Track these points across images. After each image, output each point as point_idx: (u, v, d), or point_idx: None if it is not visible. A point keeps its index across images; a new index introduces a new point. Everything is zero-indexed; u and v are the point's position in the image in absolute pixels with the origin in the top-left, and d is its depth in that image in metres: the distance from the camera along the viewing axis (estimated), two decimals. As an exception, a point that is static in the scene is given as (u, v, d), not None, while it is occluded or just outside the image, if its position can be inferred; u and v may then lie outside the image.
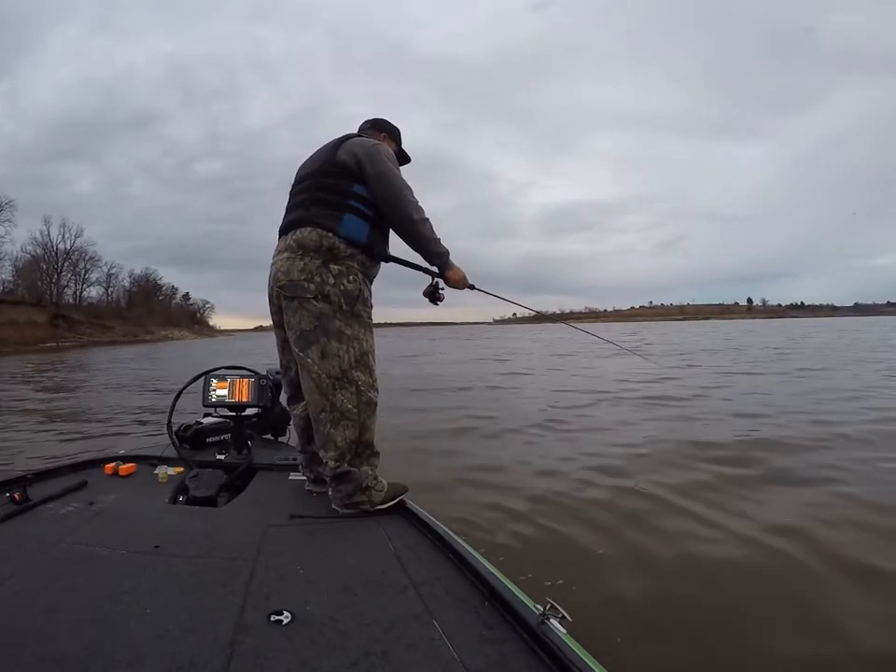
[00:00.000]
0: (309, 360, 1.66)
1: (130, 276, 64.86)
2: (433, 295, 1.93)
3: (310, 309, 1.65)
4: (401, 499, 1.71)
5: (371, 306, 1.77)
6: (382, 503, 1.68)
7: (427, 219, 1.74)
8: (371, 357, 1.72)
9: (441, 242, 1.79)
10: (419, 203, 1.73)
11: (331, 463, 1.67)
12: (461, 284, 1.88)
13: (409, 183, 1.74)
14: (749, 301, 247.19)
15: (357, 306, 1.69)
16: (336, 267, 1.66)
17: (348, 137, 1.80)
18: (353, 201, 1.69)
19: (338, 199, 1.69)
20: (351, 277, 1.67)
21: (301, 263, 1.66)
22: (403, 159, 2.02)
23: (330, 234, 1.66)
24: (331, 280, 1.64)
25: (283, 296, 1.70)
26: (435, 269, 1.85)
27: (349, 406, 1.66)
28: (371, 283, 1.81)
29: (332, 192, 1.70)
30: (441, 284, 1.90)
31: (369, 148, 1.71)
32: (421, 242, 1.76)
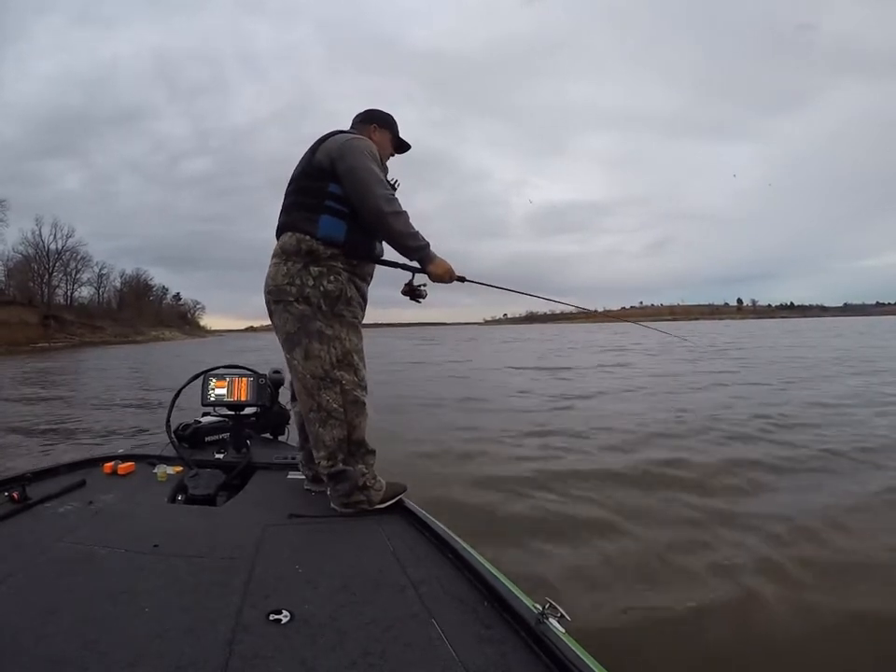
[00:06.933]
0: (295, 361, 1.70)
1: (121, 277, 64.43)
2: (413, 293, 1.83)
3: (292, 312, 1.67)
4: (400, 499, 1.72)
5: (360, 305, 1.77)
6: (381, 502, 1.69)
7: (401, 212, 1.68)
8: (355, 357, 1.72)
9: (420, 234, 1.71)
10: (391, 195, 1.68)
11: (323, 462, 1.69)
12: (446, 277, 1.77)
13: (400, 179, 1.72)
14: (739, 301, 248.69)
15: (339, 306, 1.69)
16: (316, 269, 1.67)
17: (329, 136, 1.77)
18: (329, 201, 1.69)
19: (315, 201, 1.70)
20: (332, 278, 1.67)
21: (285, 268, 1.69)
22: (402, 146, 1.99)
23: (308, 237, 1.67)
24: (311, 282, 1.66)
25: (271, 300, 1.74)
26: (416, 264, 1.77)
27: (335, 405, 1.67)
28: (367, 281, 1.81)
29: (309, 195, 1.72)
30: (421, 279, 1.81)
31: (342, 145, 1.70)
32: (393, 236, 1.70)
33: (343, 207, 1.69)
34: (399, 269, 1.81)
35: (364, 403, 1.73)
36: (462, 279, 1.85)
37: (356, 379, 1.71)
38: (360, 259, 1.75)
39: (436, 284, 1.80)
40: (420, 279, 1.81)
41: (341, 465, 1.67)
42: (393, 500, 1.71)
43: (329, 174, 1.69)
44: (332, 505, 1.70)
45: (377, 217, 1.66)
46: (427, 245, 1.73)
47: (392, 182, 1.83)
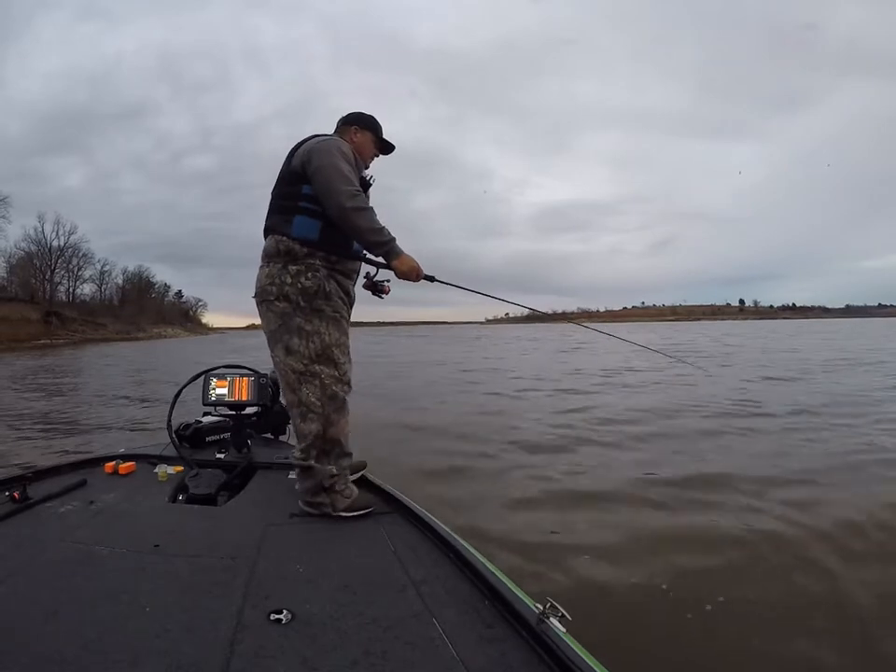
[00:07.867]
0: (277, 358, 1.75)
1: (123, 274, 64.32)
2: (374, 287, 1.85)
3: (274, 310, 1.72)
4: (401, 499, 1.72)
5: (343, 300, 1.78)
6: (345, 510, 1.67)
7: (365, 208, 1.67)
8: (335, 351, 1.73)
9: (386, 230, 1.70)
10: (355, 191, 1.66)
11: (297, 454, 1.71)
12: (412, 275, 1.73)
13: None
14: (741, 302, 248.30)
15: (317, 301, 1.71)
16: (294, 267, 1.71)
17: (304, 141, 1.80)
18: (303, 202, 1.72)
19: (290, 203, 1.74)
20: (310, 275, 1.70)
21: (267, 270, 1.74)
22: (387, 147, 2.00)
23: (285, 238, 1.71)
24: (289, 280, 1.70)
25: (257, 302, 1.80)
26: (382, 260, 1.76)
27: (313, 399, 1.70)
28: (351, 278, 1.82)
29: (286, 198, 1.76)
30: (383, 275, 1.81)
31: (312, 147, 1.72)
32: (356, 232, 1.69)
33: (316, 207, 1.71)
34: (368, 264, 1.82)
35: (345, 400, 1.74)
36: (431, 279, 1.84)
37: (336, 373, 1.73)
38: (338, 255, 1.77)
39: (402, 281, 1.79)
40: (387, 275, 1.82)
41: (312, 461, 1.68)
42: (360, 513, 1.68)
43: (302, 176, 1.72)
44: (299, 502, 1.70)
45: (340, 213, 1.66)
46: (392, 240, 1.71)
47: (367, 178, 1.85)
